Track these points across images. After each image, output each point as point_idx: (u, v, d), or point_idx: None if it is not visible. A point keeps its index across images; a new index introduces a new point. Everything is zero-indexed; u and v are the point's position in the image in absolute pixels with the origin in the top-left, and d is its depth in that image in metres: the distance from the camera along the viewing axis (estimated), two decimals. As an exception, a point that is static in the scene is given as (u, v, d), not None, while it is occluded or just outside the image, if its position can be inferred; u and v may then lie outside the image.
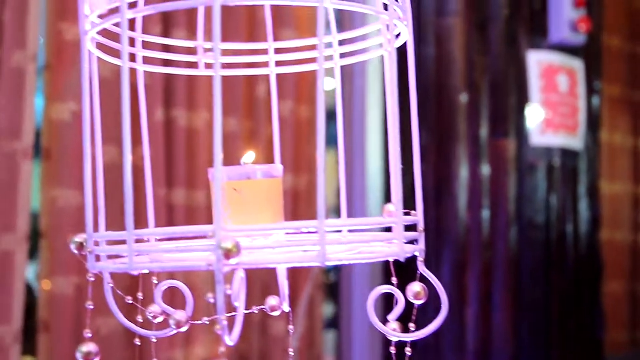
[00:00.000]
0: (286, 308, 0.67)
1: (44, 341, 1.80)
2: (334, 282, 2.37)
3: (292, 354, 0.66)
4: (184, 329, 0.59)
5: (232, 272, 0.53)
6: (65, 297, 1.80)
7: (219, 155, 0.47)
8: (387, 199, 2.10)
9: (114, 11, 0.55)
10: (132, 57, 0.70)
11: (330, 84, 2.55)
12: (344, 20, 2.10)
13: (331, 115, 2.67)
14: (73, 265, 1.81)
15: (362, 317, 2.07)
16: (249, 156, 0.61)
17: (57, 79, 1.83)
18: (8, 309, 1.70)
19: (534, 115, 2.31)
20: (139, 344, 0.65)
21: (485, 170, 2.21)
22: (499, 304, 2.21)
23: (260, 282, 2.02)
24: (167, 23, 1.93)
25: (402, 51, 0.62)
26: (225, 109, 2.04)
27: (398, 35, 0.65)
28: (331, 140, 2.55)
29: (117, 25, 0.59)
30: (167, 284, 0.63)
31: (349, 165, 2.06)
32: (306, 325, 2.13)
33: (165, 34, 1.91)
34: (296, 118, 2.19)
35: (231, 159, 2.12)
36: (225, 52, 0.75)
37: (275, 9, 2.18)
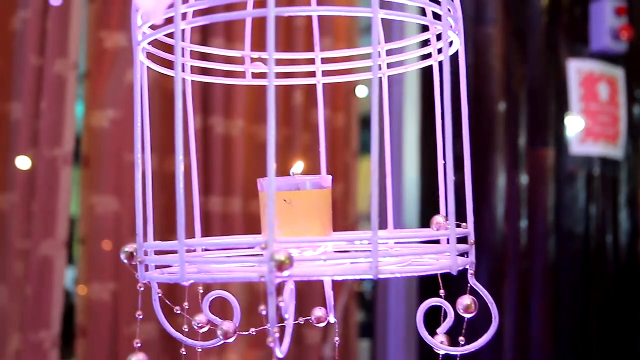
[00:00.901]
0: (332, 319, 0.66)
1: (82, 346, 1.82)
2: (369, 291, 2.36)
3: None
4: (231, 340, 0.59)
5: (282, 284, 0.53)
6: (102, 303, 1.81)
7: (272, 166, 0.47)
8: (424, 208, 2.08)
9: (167, 21, 0.55)
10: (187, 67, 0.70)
11: (364, 91, 2.52)
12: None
13: (366, 122, 2.64)
14: (110, 271, 1.82)
15: (397, 326, 2.05)
16: (298, 167, 0.60)
17: (97, 86, 1.85)
18: (47, 314, 1.72)
19: (574, 124, 2.28)
20: (185, 353, 0.64)
21: (524, 179, 2.19)
22: (537, 314, 2.18)
23: (297, 290, 2.02)
24: (205, 32, 1.94)
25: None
26: (261, 117, 2.05)
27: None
28: (366, 148, 2.53)
29: (166, 35, 0.59)
30: (215, 294, 0.63)
31: (385, 174, 2.05)
32: (341, 334, 2.12)
33: (204, 42, 1.92)
34: (332, 126, 2.19)
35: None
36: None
37: (311, 18, 2.19)
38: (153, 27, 0.59)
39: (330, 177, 0.59)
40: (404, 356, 2.02)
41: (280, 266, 0.46)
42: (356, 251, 0.56)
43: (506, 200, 2.14)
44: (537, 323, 2.18)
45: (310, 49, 2.15)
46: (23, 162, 1.77)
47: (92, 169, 1.85)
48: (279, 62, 0.76)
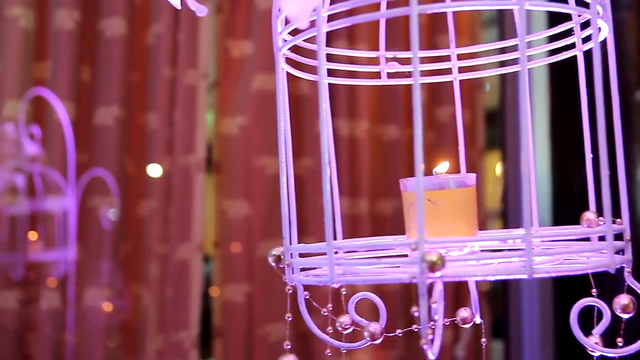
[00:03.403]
0: (478, 320, 0.65)
1: (219, 346, 1.88)
2: (500, 288, 2.30)
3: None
4: (378, 341, 0.59)
5: (431, 285, 0.52)
6: (236, 304, 1.87)
7: (419, 165, 0.46)
8: (555, 204, 2.01)
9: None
10: (313, 70, 0.70)
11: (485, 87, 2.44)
12: (504, 24, 2.04)
13: (491, 117, 2.56)
14: (243, 273, 1.87)
15: (531, 326, 1.99)
16: (443, 166, 0.59)
17: (225, 94, 1.91)
18: (186, 315, 1.79)
19: None
20: (330, 354, 0.65)
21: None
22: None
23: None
24: (327, 34, 1.96)
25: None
26: (385, 117, 2.04)
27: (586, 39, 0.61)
28: (491, 144, 2.46)
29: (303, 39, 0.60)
30: (360, 295, 0.63)
31: (515, 169, 1.99)
32: (472, 334, 2.08)
33: (326, 44, 1.94)
34: (456, 122, 2.15)
35: (394, 166, 2.09)
36: (404, 61, 0.74)
37: (431, 15, 2.17)
38: (291, 33, 0.60)
39: (474, 175, 0.58)
40: (540, 357, 1.96)
41: (432, 267, 0.45)
42: (509, 250, 0.54)
43: (646, 193, 2.03)
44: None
45: (429, 46, 2.12)
46: (154, 170, 1.85)
47: (223, 174, 1.91)
48: (409, 61, 0.75)
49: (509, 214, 2.01)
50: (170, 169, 1.82)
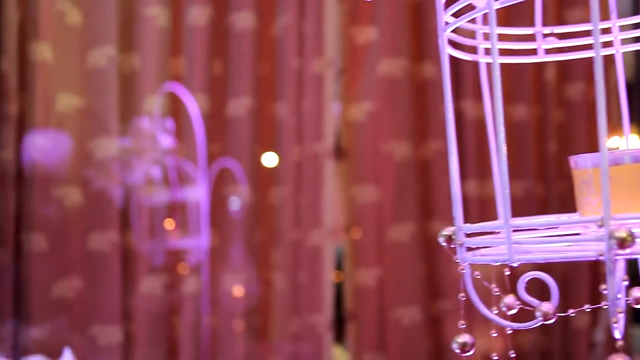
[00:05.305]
0: (652, 300, 0.63)
1: (352, 329, 1.91)
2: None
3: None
4: (550, 321, 0.58)
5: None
6: (368, 289, 1.89)
7: (603, 140, 0.46)
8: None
9: (470, 7, 0.56)
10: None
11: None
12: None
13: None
14: (374, 258, 1.89)
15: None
16: (614, 140, 0.58)
17: (352, 81, 1.92)
18: (319, 299, 1.83)
19: None
20: (496, 335, 0.65)
21: None
22: None
23: (560, 273, 1.95)
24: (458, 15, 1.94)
25: None
26: (513, 96, 2.00)
27: None
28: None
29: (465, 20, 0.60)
30: (531, 274, 0.62)
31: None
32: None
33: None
34: (588, 100, 2.08)
35: (523, 147, 2.03)
36: (552, 36, 0.72)
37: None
38: (454, 14, 0.60)
39: (650, 150, 0.56)
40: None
41: (622, 243, 0.44)
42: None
43: None
44: None
45: (558, 22, 2.05)
46: (271, 159, 1.89)
47: (352, 161, 1.93)
48: (564, 36, 0.73)
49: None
50: (300, 157, 1.86)
